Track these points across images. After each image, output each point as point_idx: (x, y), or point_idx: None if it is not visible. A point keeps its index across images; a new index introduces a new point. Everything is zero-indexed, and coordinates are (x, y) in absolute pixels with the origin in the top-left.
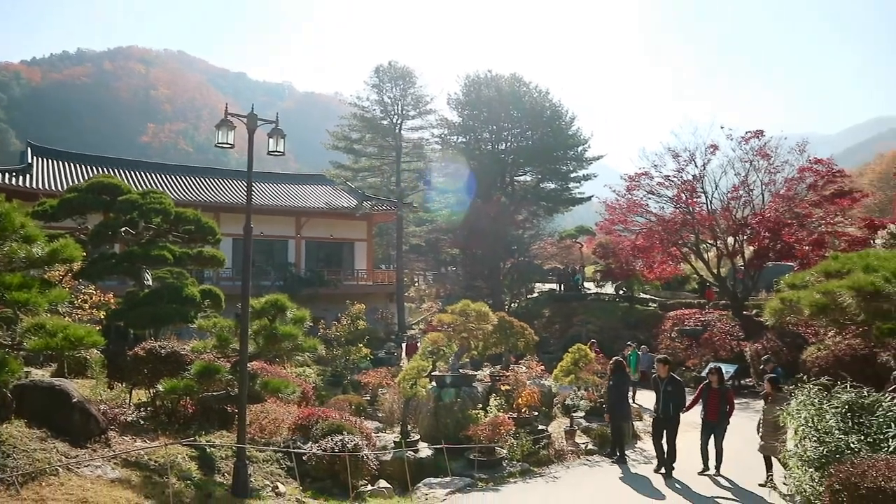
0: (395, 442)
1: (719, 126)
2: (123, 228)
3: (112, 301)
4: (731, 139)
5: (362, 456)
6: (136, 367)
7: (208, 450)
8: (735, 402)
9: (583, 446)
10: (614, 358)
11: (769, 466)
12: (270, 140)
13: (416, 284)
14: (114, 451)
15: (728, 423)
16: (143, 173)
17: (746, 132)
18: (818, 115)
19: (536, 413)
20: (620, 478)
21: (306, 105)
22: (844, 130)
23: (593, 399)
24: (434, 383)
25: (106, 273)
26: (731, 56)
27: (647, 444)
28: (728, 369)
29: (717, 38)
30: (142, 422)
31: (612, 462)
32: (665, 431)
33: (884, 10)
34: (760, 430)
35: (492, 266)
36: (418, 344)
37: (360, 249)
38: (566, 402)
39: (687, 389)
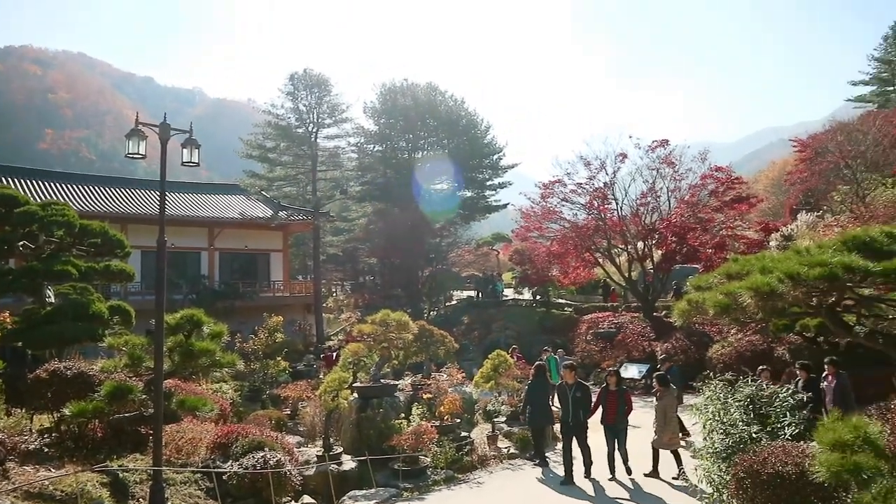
0: (317, 456)
1: (628, 135)
2: (21, 242)
3: (8, 320)
4: (639, 148)
5: (285, 472)
6: (38, 391)
7: (121, 475)
8: (633, 401)
9: (505, 451)
10: (536, 363)
11: (656, 459)
12: (184, 150)
13: (335, 295)
14: (14, 483)
15: (627, 423)
16: (42, 183)
17: (653, 141)
18: (717, 124)
19: (459, 420)
20: (542, 480)
21: (218, 112)
22: (741, 139)
23: (514, 404)
24: (356, 394)
25: (1, 291)
26: (640, 70)
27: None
28: (641, 369)
29: (627, 53)
30: (46, 449)
31: (534, 465)
32: (575, 437)
33: (773, 31)
34: (654, 424)
35: (410, 275)
36: (335, 355)
37: (277, 260)
38: (487, 408)
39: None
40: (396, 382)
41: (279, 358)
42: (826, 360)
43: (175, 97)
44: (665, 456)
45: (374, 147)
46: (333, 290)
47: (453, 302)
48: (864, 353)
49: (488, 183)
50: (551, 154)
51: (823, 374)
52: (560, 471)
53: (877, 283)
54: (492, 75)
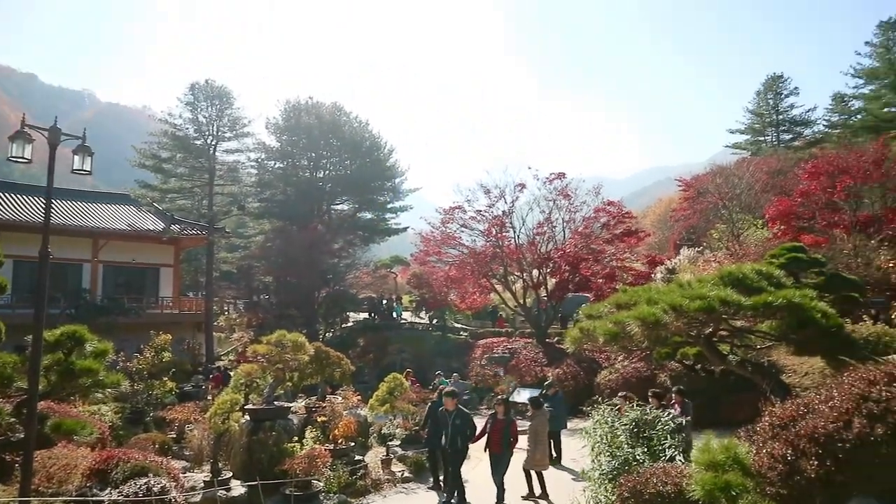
0: (205, 481)
1: (527, 166)
2: None
3: None
4: (538, 179)
5: (170, 499)
6: None
7: None
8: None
9: (399, 474)
10: (446, 389)
11: (529, 480)
12: (76, 157)
13: (227, 313)
14: None
15: (511, 454)
16: None
17: (550, 173)
18: (611, 161)
19: (353, 443)
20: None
21: (109, 117)
22: (631, 176)
23: (409, 427)
24: (247, 417)
25: None
26: (541, 103)
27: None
28: (533, 393)
29: (531, 87)
30: None
31: (429, 489)
32: (450, 465)
33: (664, 73)
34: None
35: (307, 295)
36: (224, 375)
37: (166, 275)
38: (382, 432)
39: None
40: (290, 405)
41: (166, 378)
42: (674, 388)
43: (62, 97)
44: (551, 477)
45: (274, 164)
46: (226, 308)
47: (350, 324)
48: (735, 380)
49: (389, 206)
50: (453, 180)
51: (671, 402)
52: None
53: (748, 316)
54: (397, 99)
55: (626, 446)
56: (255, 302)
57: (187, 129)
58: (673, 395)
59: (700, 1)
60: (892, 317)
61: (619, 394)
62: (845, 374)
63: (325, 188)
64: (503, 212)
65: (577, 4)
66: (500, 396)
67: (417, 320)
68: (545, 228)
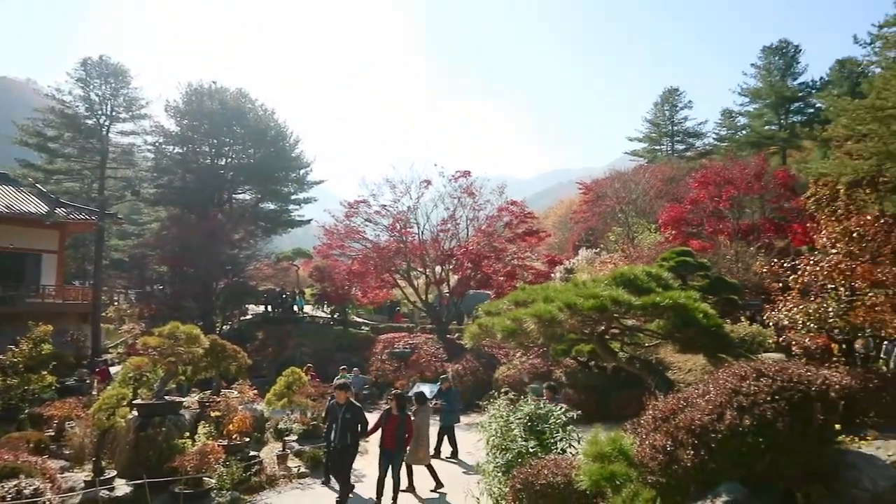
0: (85, 481)
1: (433, 163)
2: None
3: None
4: (443, 176)
5: (44, 502)
6: None
7: None
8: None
9: (295, 470)
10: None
11: (410, 474)
12: None
13: (117, 304)
14: None
15: (406, 451)
16: None
17: (456, 171)
18: (516, 161)
19: (248, 439)
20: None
21: None
22: (536, 177)
23: (306, 422)
24: (135, 412)
25: None
26: (452, 103)
27: (357, 463)
28: (433, 388)
29: (441, 84)
30: None
31: (322, 483)
32: (341, 462)
33: (568, 78)
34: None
35: (204, 286)
36: (110, 369)
37: (49, 262)
38: (279, 427)
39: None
40: (182, 399)
41: (45, 372)
42: (545, 384)
43: None
44: (447, 471)
45: (173, 149)
46: (116, 298)
47: (248, 316)
48: (626, 376)
49: (293, 197)
50: (360, 174)
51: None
52: (358, 490)
53: (637, 315)
54: (308, 92)
55: (519, 439)
56: (148, 292)
57: (78, 106)
58: (544, 390)
59: (606, 13)
60: (765, 318)
61: (544, 385)
62: (720, 370)
63: (226, 176)
64: (408, 207)
65: (485, 10)
66: (393, 391)
67: (319, 314)
68: (449, 225)
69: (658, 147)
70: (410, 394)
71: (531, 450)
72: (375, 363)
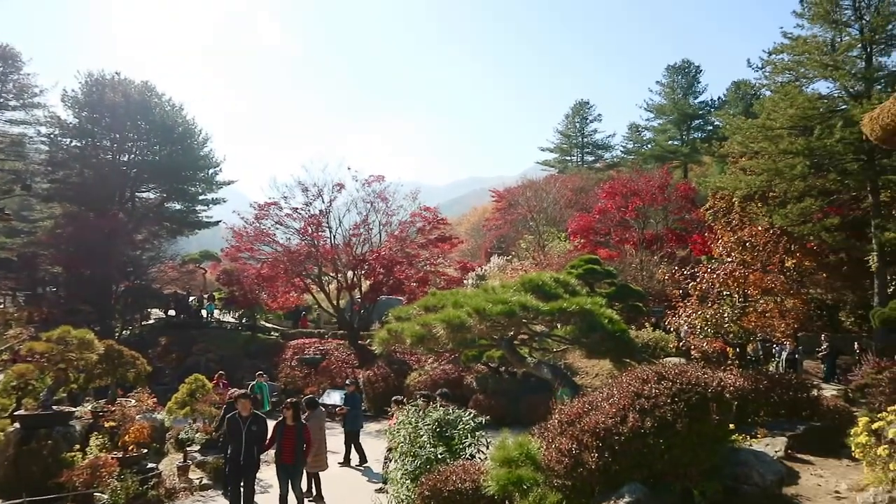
0: None
1: (347, 167)
2: None
3: None
4: (357, 180)
5: None
6: None
7: None
8: (330, 426)
9: (197, 482)
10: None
11: (310, 481)
12: None
13: (2, 306)
14: None
15: (305, 462)
16: None
17: (370, 175)
18: (431, 168)
19: (146, 450)
20: None
21: None
22: (450, 184)
23: (209, 431)
24: (17, 424)
25: None
26: (366, 107)
27: (263, 474)
28: (342, 395)
29: (354, 93)
30: None
31: (224, 495)
32: (245, 478)
33: (486, 88)
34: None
35: (102, 289)
36: None
37: None
38: (180, 437)
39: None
40: (73, 409)
41: None
42: (437, 391)
43: None
44: (354, 478)
45: (71, 141)
46: (1, 301)
47: (151, 321)
48: (535, 381)
49: (201, 197)
50: (271, 176)
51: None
52: (259, 500)
53: (545, 321)
54: (222, 89)
55: (428, 446)
56: (39, 295)
57: None
58: (437, 396)
59: (518, 29)
60: (667, 324)
61: (438, 391)
62: (624, 374)
63: (129, 173)
64: (320, 211)
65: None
66: (289, 400)
67: (227, 319)
68: (362, 230)
69: (569, 158)
70: (320, 401)
71: (440, 456)
72: (285, 369)
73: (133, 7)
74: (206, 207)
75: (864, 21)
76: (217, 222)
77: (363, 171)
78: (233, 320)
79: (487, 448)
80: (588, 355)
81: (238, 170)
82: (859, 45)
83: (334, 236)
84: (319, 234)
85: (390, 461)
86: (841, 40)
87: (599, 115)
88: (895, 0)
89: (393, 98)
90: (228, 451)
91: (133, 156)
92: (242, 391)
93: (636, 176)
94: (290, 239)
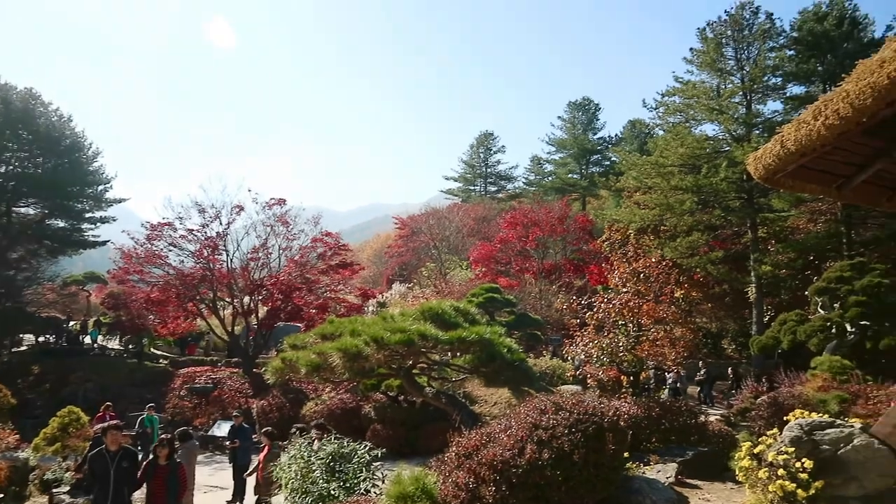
0: None
1: (247, 189)
2: None
3: None
4: (257, 203)
5: None
6: None
7: None
8: (218, 459)
9: None
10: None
11: None
12: None
13: None
14: None
15: None
16: None
17: (271, 198)
18: (334, 193)
19: (2, 495)
20: None
21: None
22: (354, 210)
23: (84, 470)
24: None
25: None
26: (265, 133)
27: None
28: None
29: (251, 118)
30: None
31: None
32: None
33: (390, 116)
34: None
35: None
36: None
37: None
38: (46, 477)
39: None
40: None
41: None
42: (313, 423)
43: None
44: None
45: None
46: None
47: (23, 347)
48: (434, 410)
49: (88, 215)
50: (166, 194)
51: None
52: None
53: (445, 349)
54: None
55: (321, 481)
56: None
57: None
58: (313, 430)
59: (425, 58)
60: (565, 352)
61: (312, 423)
62: (522, 405)
63: (6, 186)
64: (217, 233)
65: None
66: (163, 436)
67: (112, 346)
68: (260, 254)
69: (472, 187)
70: (210, 433)
71: (332, 492)
72: (173, 399)
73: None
74: (93, 226)
75: (744, 71)
76: (105, 242)
77: (264, 194)
78: (118, 347)
79: (383, 482)
80: (487, 384)
81: (130, 188)
82: (740, 93)
83: (231, 260)
84: (216, 257)
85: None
86: (725, 87)
87: (503, 146)
88: (771, 55)
89: (298, 122)
90: (94, 494)
91: (12, 167)
92: (112, 422)
93: (537, 207)
94: (183, 262)
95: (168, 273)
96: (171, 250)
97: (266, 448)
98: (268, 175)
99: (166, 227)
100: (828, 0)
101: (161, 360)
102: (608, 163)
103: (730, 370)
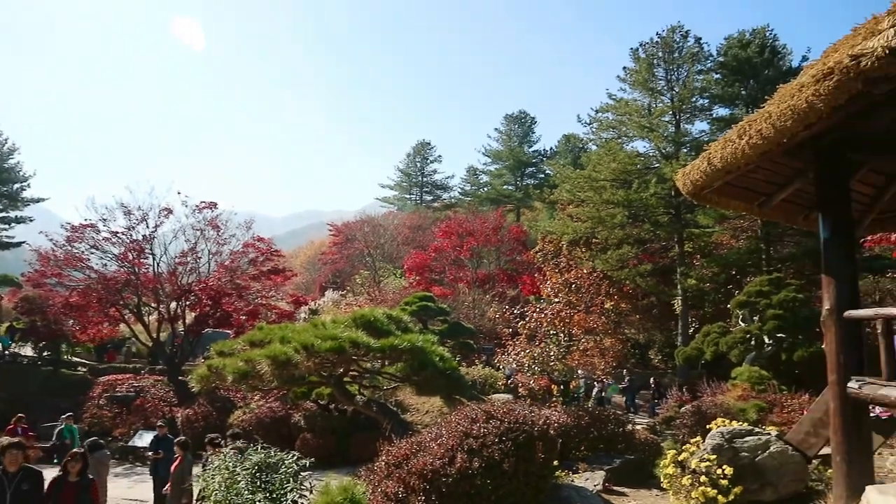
0: None
1: (176, 191)
2: None
3: None
4: (187, 206)
5: None
6: None
7: None
8: (139, 470)
9: None
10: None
11: None
12: None
13: None
14: None
15: None
16: None
17: (201, 202)
18: (269, 199)
19: None
20: None
21: None
22: (288, 216)
23: None
24: None
25: None
26: (194, 134)
27: None
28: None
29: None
30: None
31: None
32: None
33: (324, 125)
34: None
35: None
36: None
37: None
38: None
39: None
40: None
41: None
42: (228, 433)
43: None
44: None
45: None
46: None
47: None
48: (365, 419)
49: (2, 215)
50: (89, 195)
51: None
52: None
53: (376, 357)
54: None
55: (245, 493)
56: None
57: None
58: (228, 438)
59: (360, 67)
60: (497, 361)
61: (228, 433)
62: (453, 413)
63: None
64: (144, 236)
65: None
66: (76, 450)
67: (26, 353)
68: (189, 259)
69: (408, 196)
70: (131, 443)
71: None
72: (91, 409)
73: None
74: (7, 226)
75: (674, 91)
76: (20, 243)
77: (194, 197)
78: (32, 354)
79: (311, 493)
80: (419, 392)
81: (51, 187)
82: (670, 112)
83: (158, 264)
84: (141, 261)
85: None
86: (656, 106)
87: (440, 156)
88: (699, 77)
89: (232, 125)
90: None
91: None
92: (15, 440)
93: (472, 217)
94: (106, 265)
95: (89, 276)
96: (93, 253)
97: (179, 459)
98: (201, 179)
99: (88, 228)
100: (751, 28)
101: (79, 368)
102: (543, 175)
103: (652, 380)
